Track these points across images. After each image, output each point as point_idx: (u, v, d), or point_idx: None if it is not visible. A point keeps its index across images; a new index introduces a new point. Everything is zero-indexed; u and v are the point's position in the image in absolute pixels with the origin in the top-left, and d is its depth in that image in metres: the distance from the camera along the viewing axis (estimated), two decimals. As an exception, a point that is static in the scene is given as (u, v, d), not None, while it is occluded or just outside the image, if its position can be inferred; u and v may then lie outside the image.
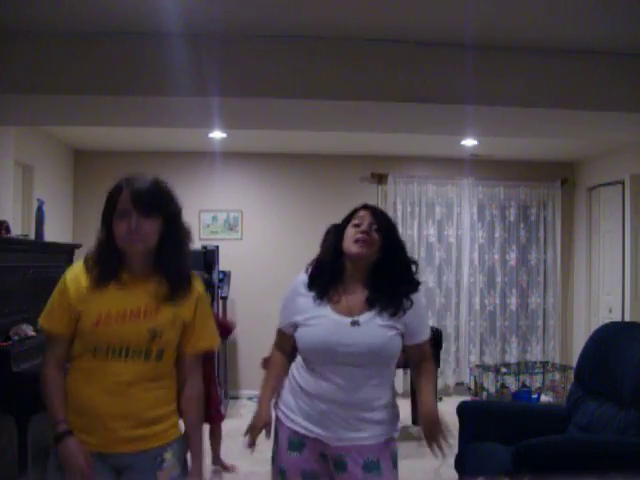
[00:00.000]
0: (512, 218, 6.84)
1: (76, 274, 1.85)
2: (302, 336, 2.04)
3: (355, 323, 1.99)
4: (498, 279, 6.81)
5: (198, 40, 3.36)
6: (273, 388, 2.14)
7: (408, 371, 4.78)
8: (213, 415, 4.12)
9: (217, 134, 5.51)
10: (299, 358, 2.10)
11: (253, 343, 6.50)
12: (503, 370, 6.39)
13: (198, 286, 1.94)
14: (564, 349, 6.87)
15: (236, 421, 5.45)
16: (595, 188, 6.53)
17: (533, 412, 3.63)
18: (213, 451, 4.29)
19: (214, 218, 6.61)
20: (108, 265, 1.82)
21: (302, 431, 2.02)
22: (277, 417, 2.11)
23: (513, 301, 6.84)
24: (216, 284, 5.93)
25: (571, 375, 4.64)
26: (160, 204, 1.81)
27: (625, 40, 3.44)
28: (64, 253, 4.53)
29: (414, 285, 2.07)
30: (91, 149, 6.33)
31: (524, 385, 6.23)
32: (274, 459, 2.13)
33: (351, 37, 3.45)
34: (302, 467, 2.03)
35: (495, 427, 3.35)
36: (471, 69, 3.49)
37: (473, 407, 3.65)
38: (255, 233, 6.58)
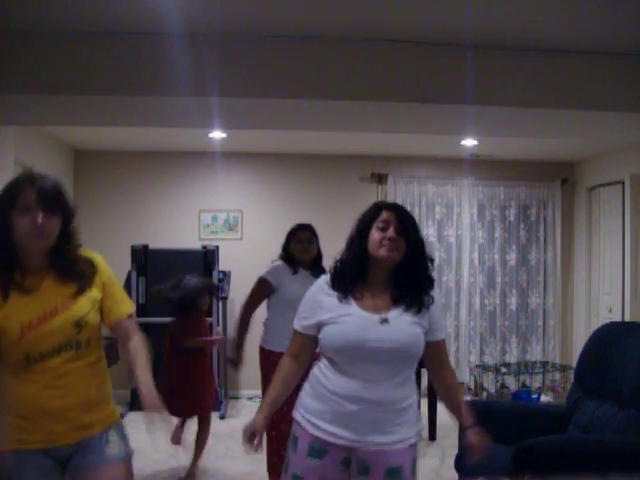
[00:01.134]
0: (512, 218, 6.84)
1: None
2: (330, 334, 2.01)
3: (384, 321, 1.99)
4: (498, 279, 6.81)
5: (198, 40, 3.36)
6: (276, 399, 2.10)
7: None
8: (207, 405, 4.02)
9: (217, 134, 5.50)
10: (324, 363, 2.06)
11: (253, 343, 6.50)
12: (503, 370, 6.39)
13: (100, 263, 1.96)
14: (564, 349, 6.86)
15: (236, 421, 5.46)
16: (595, 188, 6.53)
17: (533, 412, 3.63)
18: (197, 452, 4.09)
19: (214, 218, 6.61)
20: (8, 268, 1.79)
21: (326, 437, 1.98)
22: (298, 423, 2.08)
23: (513, 301, 6.84)
24: (216, 284, 5.93)
25: (571, 375, 4.65)
26: (61, 202, 1.84)
27: (625, 40, 3.44)
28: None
29: (431, 283, 2.09)
30: (91, 149, 6.32)
31: (524, 385, 6.23)
32: (287, 466, 2.08)
33: (351, 37, 3.44)
34: (321, 474, 2.00)
35: (495, 427, 3.33)
36: (471, 69, 3.49)
37: (473, 407, 3.64)
38: (255, 233, 6.57)
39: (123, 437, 1.95)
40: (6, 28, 3.27)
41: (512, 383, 6.20)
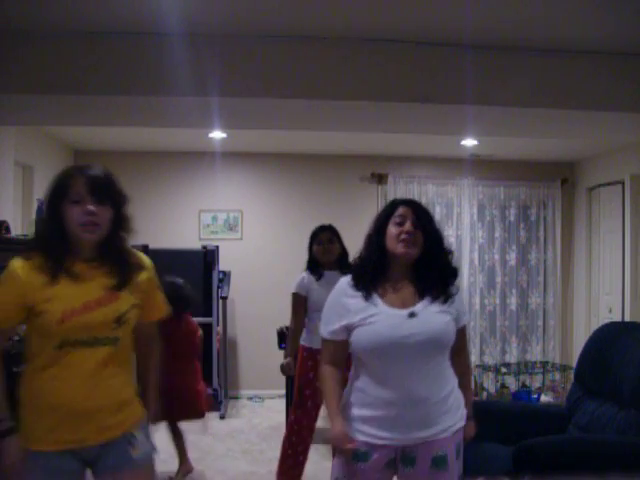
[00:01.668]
0: (512, 218, 6.84)
1: (23, 268, 1.77)
2: (361, 336, 2.00)
3: (412, 315, 1.99)
4: (498, 279, 6.81)
5: (198, 40, 3.36)
6: (338, 401, 2.07)
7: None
8: (199, 409, 3.94)
9: (217, 134, 5.51)
10: (361, 372, 2.05)
11: (253, 343, 6.52)
12: (503, 370, 6.38)
13: (144, 261, 1.97)
14: (564, 349, 6.87)
15: (236, 421, 5.46)
16: (595, 188, 6.53)
17: (533, 412, 3.63)
18: (181, 453, 4.00)
19: (214, 218, 6.61)
20: (59, 256, 1.78)
21: (371, 440, 1.98)
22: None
23: (513, 301, 6.84)
24: (216, 284, 5.93)
25: (571, 375, 4.64)
26: (113, 192, 1.83)
27: (625, 40, 3.44)
28: (64, 253, 4.52)
29: (455, 271, 2.10)
30: (91, 149, 6.33)
31: (524, 385, 6.23)
32: (332, 470, 2.09)
33: (351, 37, 3.44)
34: (367, 477, 2.01)
35: (495, 427, 3.34)
36: (471, 69, 3.49)
37: (473, 407, 3.65)
38: (255, 233, 6.58)
39: (147, 435, 1.94)
40: (6, 28, 3.27)
41: (512, 383, 6.20)
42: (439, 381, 2.01)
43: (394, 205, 2.10)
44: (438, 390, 2.00)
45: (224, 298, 6.01)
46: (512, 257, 6.83)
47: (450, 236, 6.75)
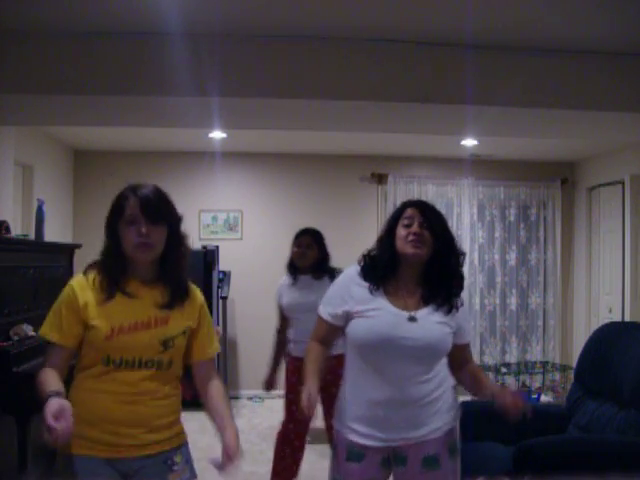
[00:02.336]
0: (512, 218, 6.84)
1: (82, 286, 1.82)
2: (359, 328, 2.02)
3: (412, 319, 1.99)
4: (498, 279, 6.81)
5: (198, 40, 3.36)
6: (317, 368, 2.06)
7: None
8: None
9: (217, 134, 5.51)
10: (353, 364, 2.06)
11: (253, 343, 6.51)
12: (503, 370, 6.39)
13: (199, 294, 1.98)
14: (564, 349, 6.87)
15: (236, 421, 5.45)
16: (595, 188, 6.53)
17: (533, 412, 3.63)
18: None
19: (214, 218, 6.61)
20: (115, 275, 1.81)
21: (363, 441, 2.00)
22: (336, 430, 2.10)
23: (513, 301, 6.84)
24: (216, 284, 5.94)
25: (571, 375, 4.64)
26: (166, 212, 1.84)
27: (625, 40, 3.44)
28: (64, 253, 4.53)
29: (461, 280, 2.08)
30: (91, 149, 6.33)
31: (524, 385, 6.23)
32: (330, 470, 2.12)
33: (351, 37, 3.44)
34: (362, 476, 2.03)
35: (495, 427, 3.34)
36: (471, 69, 3.49)
37: (473, 407, 3.64)
38: (255, 233, 6.58)
39: (188, 460, 1.93)
40: (5, 28, 3.27)
41: (512, 383, 6.20)
42: (431, 384, 2.01)
43: (404, 207, 2.12)
44: (429, 392, 2.01)
45: (224, 298, 6.01)
46: (512, 257, 6.84)
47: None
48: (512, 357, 6.80)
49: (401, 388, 1.97)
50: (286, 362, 3.71)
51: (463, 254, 2.11)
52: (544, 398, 6.21)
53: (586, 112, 3.74)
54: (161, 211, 1.81)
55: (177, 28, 3.22)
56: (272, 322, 5.42)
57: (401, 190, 6.63)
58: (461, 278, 2.09)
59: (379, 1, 3.04)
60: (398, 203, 6.37)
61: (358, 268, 2.10)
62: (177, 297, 1.86)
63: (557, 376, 6.34)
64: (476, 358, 6.68)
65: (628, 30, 3.30)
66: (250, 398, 6.34)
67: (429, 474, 2.01)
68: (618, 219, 6.00)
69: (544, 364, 6.59)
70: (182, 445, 1.92)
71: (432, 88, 3.58)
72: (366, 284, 2.05)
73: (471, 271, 6.73)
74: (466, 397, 5.54)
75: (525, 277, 6.89)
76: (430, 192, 6.70)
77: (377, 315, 2.00)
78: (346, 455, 2.03)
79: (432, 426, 2.01)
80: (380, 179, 6.62)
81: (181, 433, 1.93)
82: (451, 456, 2.05)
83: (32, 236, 4.27)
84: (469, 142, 5.72)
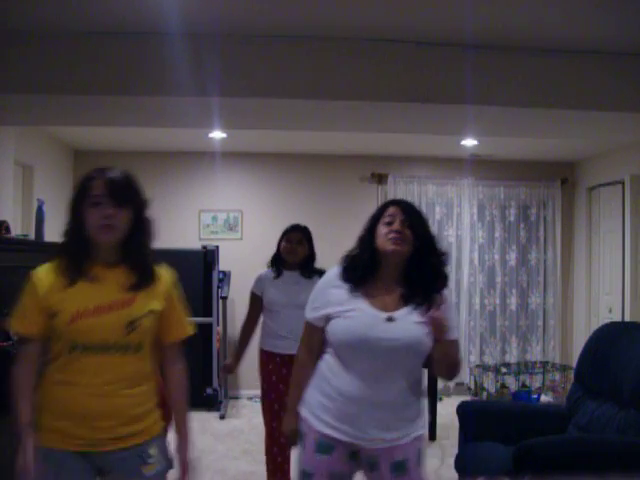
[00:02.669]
0: (512, 218, 6.84)
1: (44, 273, 1.82)
2: (337, 328, 2.02)
3: (390, 319, 1.99)
4: (498, 279, 6.81)
5: (198, 40, 3.36)
6: (300, 396, 2.11)
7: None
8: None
9: (217, 134, 5.51)
10: (329, 357, 2.07)
11: (253, 343, 6.50)
12: (503, 370, 6.39)
13: (167, 275, 1.96)
14: (564, 349, 6.87)
15: (236, 421, 5.46)
16: (595, 188, 6.53)
17: (533, 412, 3.63)
18: None
19: (214, 218, 6.61)
20: (78, 258, 1.80)
21: (332, 434, 2.00)
22: (304, 419, 2.09)
23: (513, 301, 6.84)
24: (216, 284, 5.94)
25: (571, 375, 4.65)
26: (131, 195, 1.84)
27: (625, 40, 3.44)
28: (64, 253, 4.52)
29: (445, 280, 2.08)
30: (91, 149, 6.33)
31: (524, 385, 6.23)
32: (298, 461, 2.11)
33: (351, 37, 3.45)
34: (330, 469, 2.02)
35: (495, 427, 3.35)
36: (471, 69, 3.49)
37: (473, 407, 3.65)
38: (255, 233, 6.57)
39: (163, 451, 1.91)
40: (5, 28, 3.27)
41: (512, 383, 6.20)
42: (405, 388, 2.01)
43: (384, 205, 2.12)
44: (402, 396, 2.01)
45: (224, 298, 6.01)
46: (512, 257, 6.84)
47: (450, 236, 6.76)
48: (512, 357, 6.80)
49: (376, 389, 1.97)
50: (259, 355, 3.65)
51: (444, 254, 2.10)
52: (544, 398, 6.21)
53: (586, 112, 3.74)
54: (127, 194, 1.81)
55: (177, 28, 3.22)
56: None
57: (401, 190, 6.62)
58: (445, 278, 2.08)
59: (379, 1, 3.04)
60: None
61: (339, 269, 2.11)
62: (142, 279, 1.85)
63: (557, 376, 6.34)
64: (476, 358, 6.69)
65: (628, 30, 3.30)
66: (250, 398, 6.33)
67: (398, 479, 2.01)
68: (618, 219, 6.00)
69: (544, 364, 6.59)
70: (158, 436, 1.90)
71: (432, 88, 3.58)
72: (345, 285, 2.05)
73: (471, 271, 6.74)
74: (466, 397, 5.55)
75: (525, 277, 6.89)
76: (430, 192, 6.70)
77: (354, 316, 2.00)
78: (315, 447, 2.02)
79: (402, 431, 2.01)
80: (380, 179, 6.62)
81: (157, 422, 1.91)
82: (419, 463, 2.05)
83: (32, 236, 4.26)
84: (469, 142, 5.72)
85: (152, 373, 1.92)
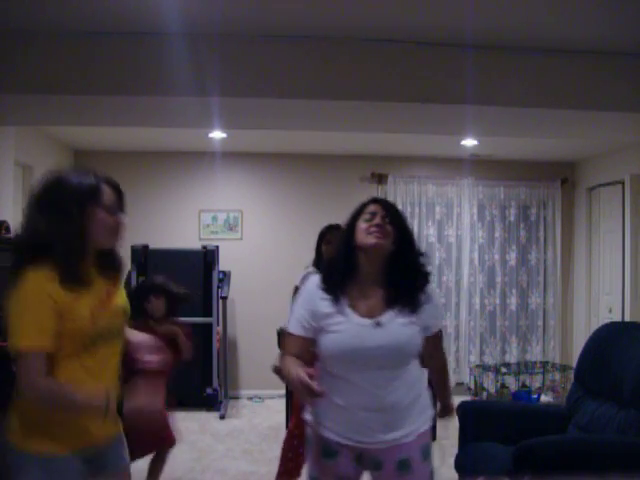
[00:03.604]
0: (512, 218, 6.84)
1: (50, 283, 1.69)
2: (327, 342, 1.99)
3: (378, 324, 1.97)
4: (498, 279, 6.81)
5: (198, 40, 3.36)
6: (295, 362, 1.98)
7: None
8: (166, 439, 3.48)
9: (217, 134, 5.51)
10: (324, 376, 2.03)
11: (253, 343, 6.51)
12: (503, 370, 6.39)
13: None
14: (564, 349, 6.87)
15: (236, 421, 5.46)
16: (595, 188, 6.53)
17: (533, 412, 3.63)
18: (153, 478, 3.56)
19: (214, 218, 6.61)
20: (81, 262, 1.78)
21: (337, 439, 2.00)
22: (309, 424, 2.10)
23: (513, 301, 6.84)
24: (216, 284, 5.93)
25: (571, 375, 4.64)
26: (124, 203, 1.93)
27: (625, 40, 3.44)
28: (64, 253, 4.52)
29: (426, 277, 2.08)
30: (91, 149, 6.33)
31: (524, 385, 6.23)
32: (308, 466, 2.15)
33: (351, 37, 3.45)
34: (336, 474, 2.04)
35: (495, 427, 3.35)
36: (471, 69, 3.49)
37: (473, 407, 3.65)
38: (255, 233, 6.58)
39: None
40: (6, 28, 3.27)
41: (512, 383, 6.20)
42: (405, 387, 2.01)
43: (363, 204, 2.11)
44: (404, 396, 2.00)
45: (224, 298, 6.01)
46: (512, 257, 6.83)
47: (450, 236, 6.76)
48: (512, 357, 6.80)
49: (375, 396, 1.97)
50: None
51: (422, 254, 2.09)
52: (544, 398, 6.21)
53: (586, 112, 3.74)
54: (124, 204, 1.92)
55: (177, 28, 3.22)
56: (272, 322, 5.41)
57: (401, 190, 6.63)
58: (426, 275, 2.08)
59: (379, 1, 3.04)
60: (399, 203, 6.34)
61: (318, 280, 2.06)
62: (117, 271, 1.94)
63: (557, 376, 6.34)
64: (476, 358, 6.69)
65: (628, 30, 3.30)
66: (250, 398, 6.34)
67: (403, 478, 2.01)
68: (618, 219, 6.00)
69: (544, 364, 6.59)
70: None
71: (432, 88, 3.58)
72: (328, 297, 2.01)
73: (471, 271, 6.74)
74: (466, 397, 5.56)
75: (525, 277, 6.89)
76: (430, 192, 6.70)
77: (342, 329, 1.97)
78: (322, 452, 2.04)
79: (407, 429, 2.00)
80: (380, 179, 6.62)
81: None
82: (424, 460, 2.05)
83: (32, 236, 4.26)
84: (469, 142, 5.72)
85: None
